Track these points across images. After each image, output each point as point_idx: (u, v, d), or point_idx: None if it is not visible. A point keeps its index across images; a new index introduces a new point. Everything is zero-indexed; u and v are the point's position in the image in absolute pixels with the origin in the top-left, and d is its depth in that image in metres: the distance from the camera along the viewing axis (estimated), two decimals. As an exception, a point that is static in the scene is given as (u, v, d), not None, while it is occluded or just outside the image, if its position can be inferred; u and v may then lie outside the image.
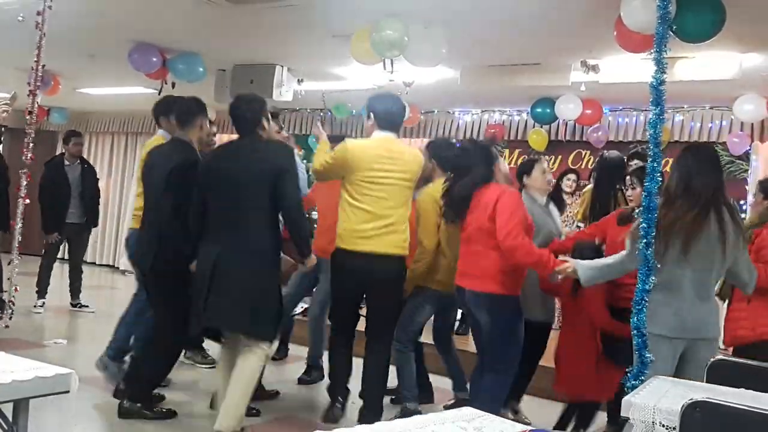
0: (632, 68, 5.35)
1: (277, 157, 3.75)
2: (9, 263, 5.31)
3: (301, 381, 5.33)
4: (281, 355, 5.75)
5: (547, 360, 4.42)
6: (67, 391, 2.25)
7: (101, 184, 8.06)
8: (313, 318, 5.36)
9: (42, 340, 5.94)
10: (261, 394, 4.40)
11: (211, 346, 5.34)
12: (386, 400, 4.33)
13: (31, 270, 7.14)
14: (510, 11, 4.55)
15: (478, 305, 3.84)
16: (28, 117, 5.13)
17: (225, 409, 3.66)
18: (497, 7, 4.49)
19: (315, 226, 5.35)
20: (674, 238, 3.09)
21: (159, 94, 6.29)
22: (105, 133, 11.94)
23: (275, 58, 6.48)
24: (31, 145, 5.10)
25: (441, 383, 5.01)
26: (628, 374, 3.12)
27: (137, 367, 4.30)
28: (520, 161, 8.36)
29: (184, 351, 5.26)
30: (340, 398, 4.13)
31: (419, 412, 4.29)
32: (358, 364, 4.23)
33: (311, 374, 5.38)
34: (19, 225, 5.16)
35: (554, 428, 4.19)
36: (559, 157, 8.22)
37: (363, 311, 4.41)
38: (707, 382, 2.75)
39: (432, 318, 4.75)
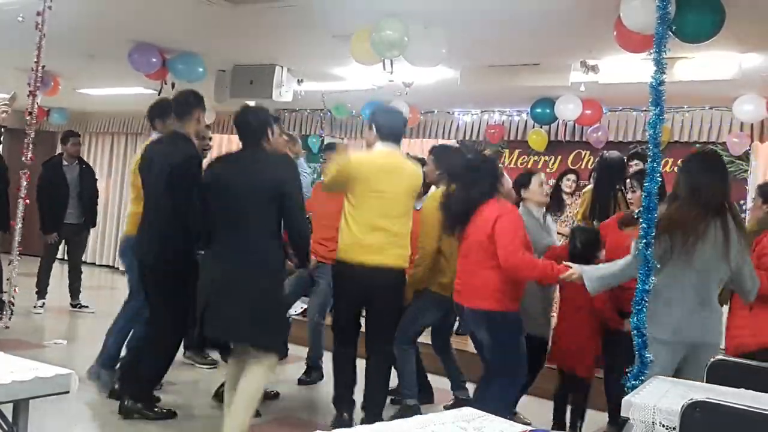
0: (632, 68, 5.35)
1: (280, 171, 3.68)
2: (9, 264, 5.32)
3: (300, 382, 5.34)
4: (281, 355, 5.74)
5: (547, 360, 4.42)
6: (67, 392, 2.25)
7: (101, 185, 8.06)
8: (313, 319, 5.37)
9: (42, 341, 5.95)
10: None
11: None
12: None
13: (31, 270, 7.14)
14: (510, 11, 4.55)
15: (477, 322, 3.85)
16: (27, 117, 5.13)
17: (229, 419, 3.64)
18: (497, 7, 4.49)
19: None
20: (676, 238, 3.09)
21: (159, 94, 6.29)
22: (105, 133, 11.95)
23: (275, 59, 6.48)
24: (31, 145, 5.10)
25: (441, 383, 5.01)
26: (629, 374, 3.12)
27: (135, 367, 4.26)
28: (519, 161, 8.43)
29: (183, 351, 5.26)
30: (345, 414, 4.12)
31: (419, 409, 4.32)
32: (359, 364, 4.23)
33: (311, 375, 5.39)
34: (19, 225, 5.17)
35: (552, 428, 4.20)
36: (559, 157, 8.21)
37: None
38: (707, 382, 2.76)
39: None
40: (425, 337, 4.85)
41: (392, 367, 4.33)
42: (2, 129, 5.31)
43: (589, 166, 7.65)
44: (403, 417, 2.54)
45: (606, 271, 3.45)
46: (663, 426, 2.13)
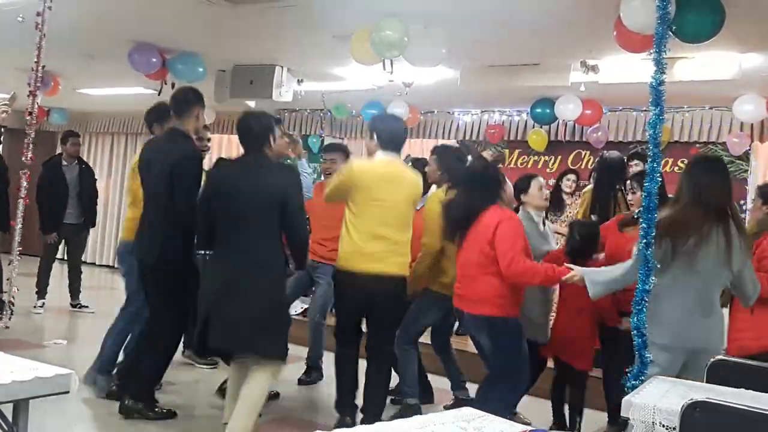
0: (632, 68, 5.35)
1: (282, 179, 3.68)
2: (9, 264, 5.31)
3: (300, 382, 5.34)
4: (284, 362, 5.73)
5: (544, 351, 4.41)
6: (67, 392, 2.25)
7: (101, 185, 8.06)
8: (314, 319, 5.37)
9: (42, 341, 5.95)
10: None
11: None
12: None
13: (31, 270, 7.14)
14: (510, 11, 4.55)
15: (478, 328, 3.86)
16: (28, 117, 5.12)
17: (232, 425, 3.63)
18: (497, 8, 4.49)
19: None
20: (678, 240, 3.07)
21: (159, 94, 6.29)
22: (105, 133, 11.94)
23: (275, 59, 6.48)
24: (31, 145, 5.10)
25: (441, 383, 5.01)
26: (628, 374, 3.12)
27: (134, 367, 4.24)
28: (519, 162, 8.43)
29: (183, 351, 5.26)
30: (348, 418, 4.12)
31: (419, 408, 4.32)
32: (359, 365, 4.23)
33: (311, 375, 5.39)
34: (19, 225, 5.16)
35: (551, 428, 4.21)
36: (559, 157, 8.21)
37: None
38: (707, 382, 2.76)
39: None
40: (425, 337, 4.85)
41: (392, 368, 4.33)
42: (2, 129, 5.30)
43: (589, 166, 7.65)
44: (403, 416, 2.55)
45: (608, 276, 3.42)
46: (663, 426, 2.13)
